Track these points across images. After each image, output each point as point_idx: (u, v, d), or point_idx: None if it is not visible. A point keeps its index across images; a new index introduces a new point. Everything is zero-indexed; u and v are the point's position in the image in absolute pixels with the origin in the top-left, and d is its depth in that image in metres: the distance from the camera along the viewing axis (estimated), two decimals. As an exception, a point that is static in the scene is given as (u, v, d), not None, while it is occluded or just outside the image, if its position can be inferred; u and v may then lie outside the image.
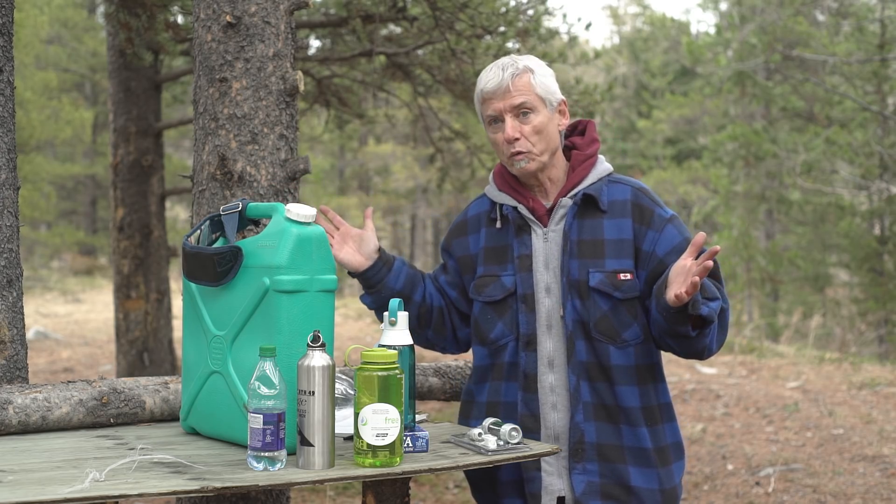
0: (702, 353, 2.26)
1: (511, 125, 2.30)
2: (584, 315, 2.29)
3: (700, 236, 2.11)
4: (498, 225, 2.41)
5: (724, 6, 23.90)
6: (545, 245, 2.34)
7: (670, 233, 2.31)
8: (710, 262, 2.05)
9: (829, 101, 14.95)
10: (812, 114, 16.42)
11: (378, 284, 2.45)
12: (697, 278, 2.04)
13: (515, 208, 2.37)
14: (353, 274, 2.47)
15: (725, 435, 6.77)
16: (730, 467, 5.98)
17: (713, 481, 5.72)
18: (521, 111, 2.30)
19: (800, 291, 16.11)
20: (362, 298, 2.51)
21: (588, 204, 2.34)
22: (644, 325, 2.32)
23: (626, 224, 2.31)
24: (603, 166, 2.39)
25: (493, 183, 2.46)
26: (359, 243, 2.46)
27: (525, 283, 2.34)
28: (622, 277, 2.28)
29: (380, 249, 2.48)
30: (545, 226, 2.35)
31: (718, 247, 2.09)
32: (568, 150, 2.43)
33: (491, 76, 2.32)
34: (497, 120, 2.33)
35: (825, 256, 16.00)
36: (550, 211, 2.36)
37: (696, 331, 2.19)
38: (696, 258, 2.13)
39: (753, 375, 8.90)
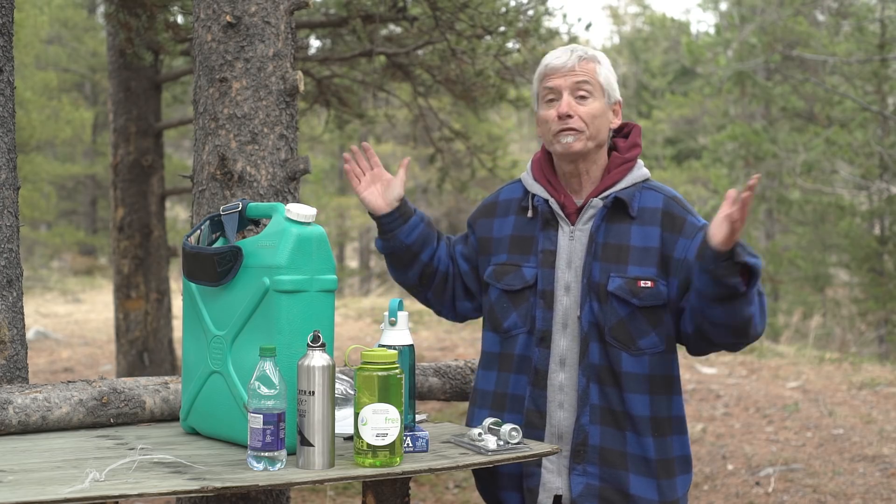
0: (749, 323, 2.17)
1: (567, 101, 2.31)
2: (600, 318, 2.28)
3: (732, 192, 2.09)
4: (529, 214, 2.40)
5: (724, 6, 23.90)
6: (570, 243, 2.34)
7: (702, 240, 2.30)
8: (749, 194, 2.01)
9: (829, 101, 14.93)
10: (812, 114, 16.41)
11: (390, 233, 2.47)
12: (732, 211, 2.01)
13: (547, 201, 2.37)
14: (372, 215, 2.50)
15: (725, 435, 6.77)
16: (730, 467, 5.98)
17: (713, 481, 5.72)
18: (580, 93, 2.32)
19: (800, 291, 16.10)
20: (375, 241, 2.54)
21: (618, 208, 2.33)
22: (665, 336, 2.30)
23: (654, 232, 2.30)
24: (639, 172, 2.38)
25: (529, 171, 2.46)
26: (385, 188, 2.47)
27: (546, 279, 2.33)
28: (642, 285, 2.27)
29: (402, 199, 2.47)
30: (573, 224, 2.35)
31: (758, 175, 2.07)
32: (609, 151, 2.42)
33: (559, 54, 2.36)
34: (554, 97, 2.34)
35: (825, 256, 15.99)
36: (580, 210, 2.35)
37: (744, 286, 2.13)
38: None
39: (753, 375, 8.90)
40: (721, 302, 2.15)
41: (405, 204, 2.48)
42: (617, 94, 2.38)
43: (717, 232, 2.08)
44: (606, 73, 2.36)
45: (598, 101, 2.33)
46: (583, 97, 2.32)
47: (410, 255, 2.49)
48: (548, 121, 2.35)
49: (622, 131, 2.47)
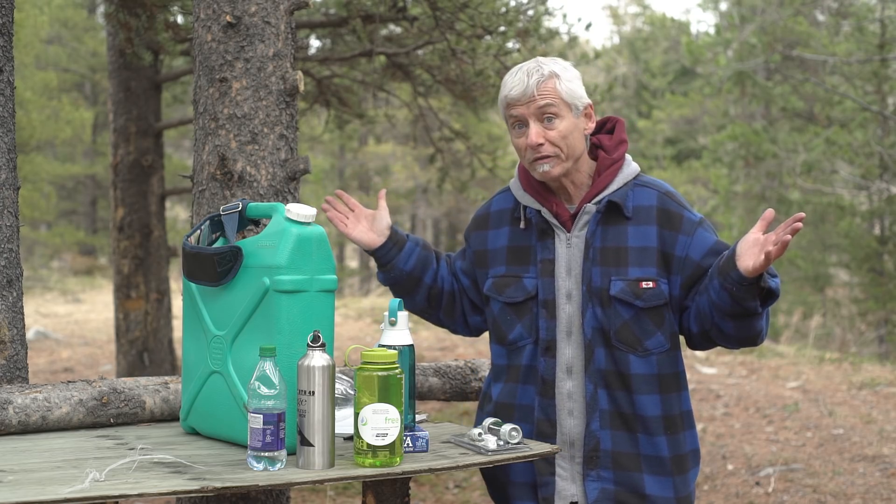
0: (757, 337, 2.23)
1: (535, 131, 2.26)
2: (604, 323, 2.27)
3: (769, 212, 2.10)
4: (522, 225, 2.39)
5: (724, 6, 23.89)
6: (568, 251, 2.32)
7: (702, 236, 2.29)
8: (789, 238, 2.02)
9: (829, 101, 14.94)
10: (812, 114, 16.41)
11: (388, 264, 2.48)
12: (772, 249, 2.03)
13: (539, 212, 2.34)
14: (367, 252, 2.51)
15: (725, 435, 6.77)
16: (730, 467, 5.98)
17: (713, 481, 5.72)
18: (546, 116, 2.26)
19: (800, 291, 16.10)
20: (377, 275, 2.56)
21: (612, 210, 2.30)
22: (669, 334, 2.29)
23: (651, 231, 2.28)
24: (629, 168, 2.35)
25: (517, 179, 2.43)
26: (371, 222, 2.49)
27: (547, 289, 2.32)
28: (644, 286, 2.26)
29: (392, 228, 2.49)
30: (569, 231, 2.32)
31: (803, 214, 2.06)
32: (594, 149, 2.39)
33: (516, 82, 2.27)
34: (521, 124, 2.29)
35: (825, 256, 15.99)
36: (574, 216, 2.33)
37: (762, 307, 2.18)
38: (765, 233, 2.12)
39: (753, 375, 8.90)
40: (735, 318, 2.19)
41: (396, 232, 2.49)
42: (584, 99, 2.30)
43: (749, 259, 2.10)
44: (568, 85, 2.27)
45: (565, 119, 2.27)
46: (549, 119, 2.26)
47: (413, 280, 2.49)
48: (520, 148, 2.31)
49: (605, 126, 2.43)
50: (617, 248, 2.28)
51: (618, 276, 2.27)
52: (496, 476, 2.40)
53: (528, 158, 2.30)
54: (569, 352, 2.31)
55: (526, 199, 2.38)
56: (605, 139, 2.38)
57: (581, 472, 2.29)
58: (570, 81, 2.29)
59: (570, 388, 2.30)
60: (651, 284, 2.26)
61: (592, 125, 2.35)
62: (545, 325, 2.31)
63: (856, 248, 14.31)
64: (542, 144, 2.26)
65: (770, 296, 2.17)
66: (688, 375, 8.70)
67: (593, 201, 2.31)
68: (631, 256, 2.28)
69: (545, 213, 2.33)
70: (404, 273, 2.48)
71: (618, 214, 2.30)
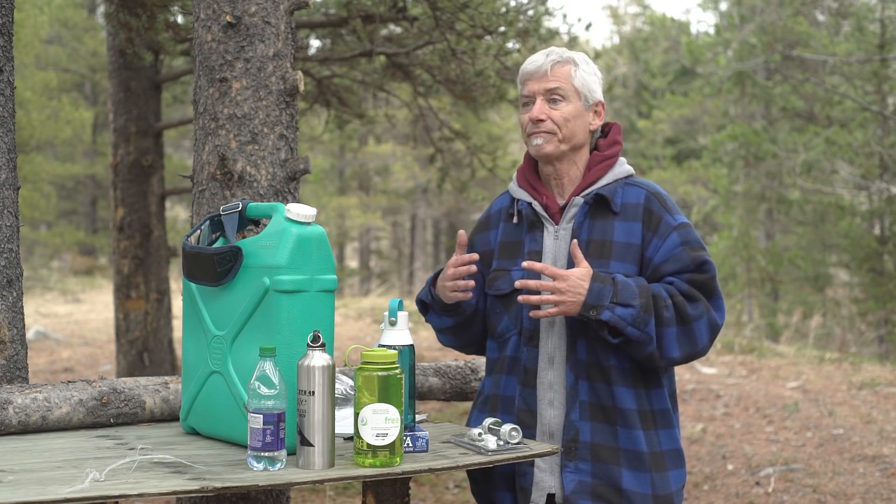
0: (650, 361, 2.25)
1: (539, 107, 2.34)
2: None
3: (572, 244, 2.21)
4: (514, 220, 2.43)
5: (724, 6, 23.88)
6: (555, 242, 2.36)
7: (672, 241, 2.30)
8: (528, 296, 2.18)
9: (829, 101, 14.94)
10: (812, 114, 16.41)
11: (461, 306, 2.43)
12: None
13: (530, 204, 2.39)
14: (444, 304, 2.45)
15: (725, 435, 6.77)
16: (730, 467, 5.98)
17: (713, 481, 5.72)
18: (553, 97, 2.34)
19: (800, 291, 16.10)
20: (436, 320, 2.47)
21: (600, 204, 2.34)
22: None
23: (636, 228, 2.31)
24: (622, 168, 2.39)
25: (515, 179, 2.49)
26: None
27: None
28: None
29: None
30: (557, 223, 2.37)
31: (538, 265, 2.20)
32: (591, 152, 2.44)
33: (534, 59, 2.38)
34: (529, 101, 2.37)
35: (825, 256, 15.99)
36: (563, 209, 2.37)
37: (617, 338, 2.22)
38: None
39: (753, 375, 8.90)
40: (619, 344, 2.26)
41: None
42: (597, 95, 2.39)
43: None
44: (583, 76, 2.36)
45: (571, 104, 2.35)
46: (555, 101, 2.34)
47: (479, 313, 2.48)
48: (523, 123, 2.39)
49: (603, 131, 2.48)
50: (602, 241, 2.32)
51: (600, 269, 2.29)
52: (478, 469, 2.40)
53: (527, 132, 2.38)
54: (551, 342, 2.33)
55: (519, 193, 2.44)
56: (601, 141, 2.44)
57: (559, 463, 2.30)
58: (588, 74, 2.37)
59: (551, 379, 2.32)
60: None
61: (599, 122, 2.42)
62: (528, 314, 2.33)
63: (856, 248, 14.31)
64: (542, 120, 2.33)
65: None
66: (688, 376, 8.71)
67: (581, 195, 2.36)
68: (615, 251, 2.31)
69: (535, 205, 2.39)
70: (471, 307, 2.45)
71: (605, 209, 2.34)
